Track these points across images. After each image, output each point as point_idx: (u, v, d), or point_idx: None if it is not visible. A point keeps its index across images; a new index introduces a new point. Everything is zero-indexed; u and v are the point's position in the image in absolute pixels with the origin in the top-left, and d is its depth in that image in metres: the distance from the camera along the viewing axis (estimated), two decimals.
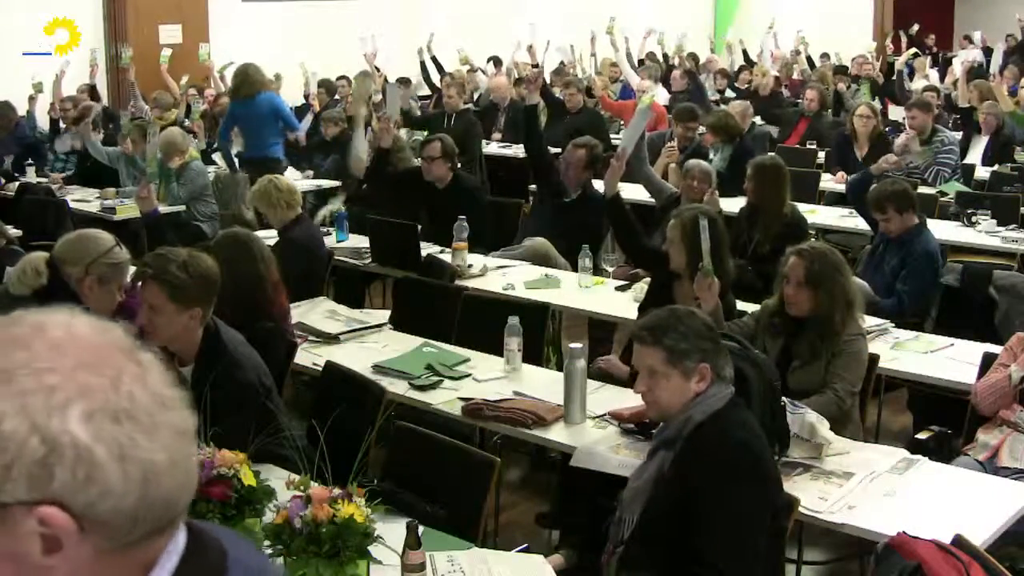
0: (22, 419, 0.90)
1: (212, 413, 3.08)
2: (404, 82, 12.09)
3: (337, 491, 2.52)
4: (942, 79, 14.05)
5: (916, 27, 16.58)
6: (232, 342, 3.36)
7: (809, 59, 15.33)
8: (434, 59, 12.61)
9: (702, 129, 8.34)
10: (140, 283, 3.28)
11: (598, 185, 6.93)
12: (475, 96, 12.31)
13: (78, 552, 0.92)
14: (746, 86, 13.38)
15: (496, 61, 13.99)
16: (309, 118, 9.61)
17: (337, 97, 11.58)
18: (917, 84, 12.36)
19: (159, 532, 0.98)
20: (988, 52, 16.55)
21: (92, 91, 10.56)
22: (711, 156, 7.95)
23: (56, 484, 0.90)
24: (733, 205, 6.55)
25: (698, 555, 2.68)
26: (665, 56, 14.60)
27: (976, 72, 13.87)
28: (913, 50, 13.73)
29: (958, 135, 9.14)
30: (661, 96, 12.37)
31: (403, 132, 9.75)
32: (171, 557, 0.99)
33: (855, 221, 6.65)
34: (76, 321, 0.99)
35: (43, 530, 0.91)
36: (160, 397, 0.98)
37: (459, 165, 6.97)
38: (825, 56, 15.66)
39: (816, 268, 3.91)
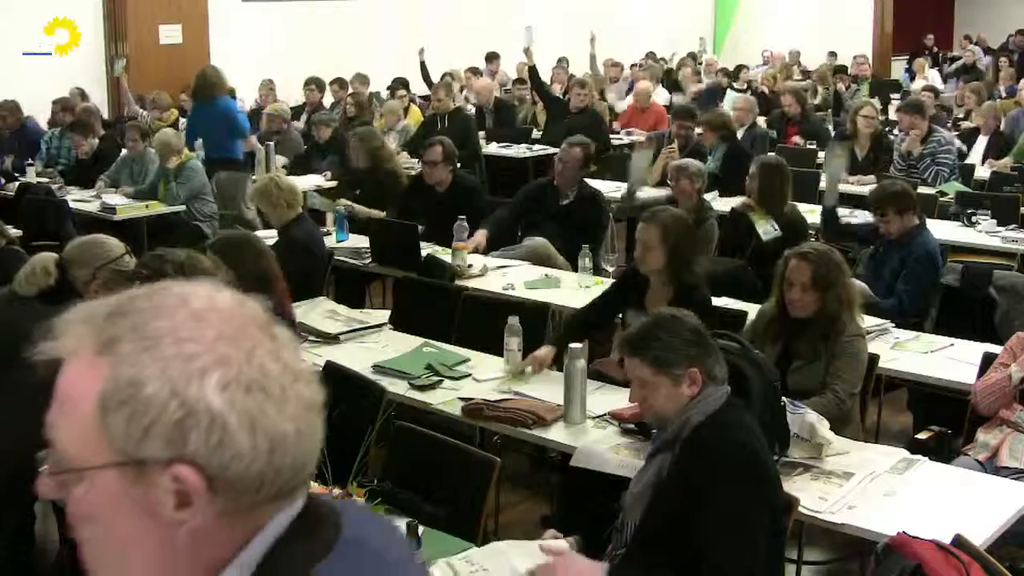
0: (163, 383, 0.98)
1: None
2: (402, 83, 12.08)
3: (337, 491, 2.52)
4: (945, 80, 14.07)
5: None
6: None
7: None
8: (423, 64, 12.56)
9: (699, 129, 8.35)
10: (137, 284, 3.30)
11: (593, 184, 6.95)
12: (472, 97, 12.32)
13: (206, 509, 0.99)
14: (745, 86, 13.40)
15: (490, 57, 13.97)
16: (303, 119, 9.67)
17: (333, 100, 11.59)
18: (916, 85, 12.36)
19: (281, 497, 1.04)
20: (988, 52, 16.60)
21: (83, 95, 10.50)
22: (709, 157, 7.97)
23: (190, 446, 0.98)
24: (728, 205, 6.56)
25: (698, 556, 2.67)
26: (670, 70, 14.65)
27: (973, 74, 13.92)
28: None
29: (954, 134, 9.14)
30: (661, 96, 12.40)
31: (392, 136, 9.76)
32: (280, 523, 1.05)
33: (855, 221, 6.65)
34: (218, 294, 1.06)
35: (176, 487, 0.98)
36: (292, 370, 1.04)
37: (459, 164, 6.98)
38: (833, 55, 15.67)
39: (822, 271, 3.91)
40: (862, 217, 6.46)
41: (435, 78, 11.90)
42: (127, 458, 0.99)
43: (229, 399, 0.99)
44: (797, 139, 9.68)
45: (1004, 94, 12.27)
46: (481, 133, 10.54)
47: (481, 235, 6.30)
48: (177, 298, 1.04)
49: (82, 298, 3.32)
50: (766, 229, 5.87)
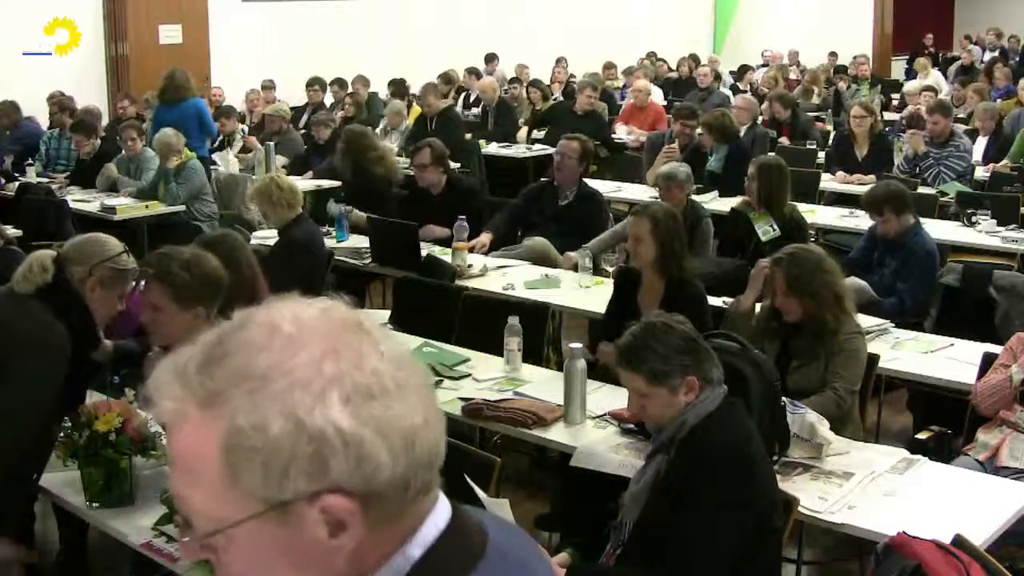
0: (286, 420, 0.94)
1: None
2: (398, 84, 12.09)
3: None
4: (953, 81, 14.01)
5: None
6: None
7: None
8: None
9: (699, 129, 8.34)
10: (143, 283, 3.30)
11: (593, 184, 6.94)
12: (471, 97, 12.33)
13: (361, 527, 0.97)
14: (747, 87, 13.40)
15: (489, 58, 13.97)
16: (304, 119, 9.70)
17: (333, 100, 11.60)
18: (911, 86, 12.31)
19: (425, 492, 1.02)
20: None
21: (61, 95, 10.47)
22: (710, 157, 7.96)
23: (332, 473, 0.95)
24: (728, 206, 6.57)
25: (669, 542, 2.67)
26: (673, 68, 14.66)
27: (972, 74, 13.89)
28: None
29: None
30: (658, 96, 12.40)
31: (394, 136, 9.78)
32: (432, 527, 1.03)
33: (855, 221, 6.66)
34: (302, 310, 1.01)
35: (327, 517, 0.96)
36: (397, 361, 1.01)
37: (452, 164, 6.95)
38: (833, 55, 15.67)
39: (795, 273, 3.89)
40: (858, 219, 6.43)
41: (432, 77, 11.92)
42: (271, 504, 0.95)
43: (354, 413, 0.95)
44: (784, 140, 9.69)
45: (1003, 94, 12.25)
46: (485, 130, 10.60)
47: (486, 237, 6.29)
48: (265, 329, 0.99)
49: (79, 296, 3.29)
50: (765, 229, 5.88)
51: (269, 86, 11.71)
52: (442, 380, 4.16)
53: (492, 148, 10.21)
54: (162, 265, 3.25)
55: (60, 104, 9.60)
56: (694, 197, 6.33)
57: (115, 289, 3.36)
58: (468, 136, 10.21)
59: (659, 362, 2.83)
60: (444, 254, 5.91)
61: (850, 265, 5.42)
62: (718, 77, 13.51)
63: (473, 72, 13.00)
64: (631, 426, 3.62)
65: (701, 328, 3.16)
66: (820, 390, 3.81)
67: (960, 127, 9.82)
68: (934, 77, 14.42)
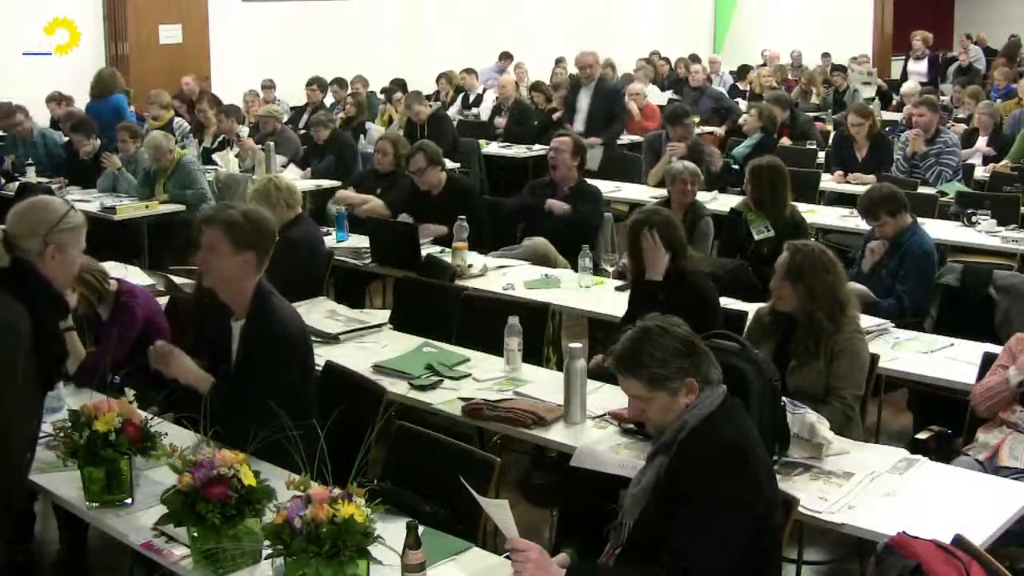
0: None
1: (254, 367, 3.30)
2: (400, 84, 12.09)
3: (337, 491, 2.51)
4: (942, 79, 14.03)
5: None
6: (282, 303, 3.52)
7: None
8: None
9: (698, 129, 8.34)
10: (202, 230, 3.47)
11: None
12: (471, 97, 12.32)
13: None
14: (748, 87, 13.40)
15: (503, 55, 13.96)
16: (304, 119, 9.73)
17: (334, 100, 11.61)
18: (908, 87, 12.32)
19: None
20: (990, 52, 16.58)
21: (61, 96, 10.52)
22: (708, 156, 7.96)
23: None
24: (727, 206, 6.61)
25: (668, 542, 2.67)
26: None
27: (970, 75, 13.88)
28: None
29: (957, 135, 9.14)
30: (656, 96, 12.41)
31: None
32: None
33: (855, 221, 6.65)
34: None
35: None
36: None
37: (446, 164, 6.96)
38: (827, 56, 15.67)
39: (798, 261, 3.90)
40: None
41: (432, 77, 11.87)
42: None
43: None
44: (784, 141, 9.70)
45: (1003, 94, 12.25)
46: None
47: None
48: None
49: (35, 271, 2.98)
50: (759, 228, 5.92)
51: (269, 86, 11.72)
52: (442, 380, 4.16)
53: (492, 148, 10.21)
54: (220, 209, 3.49)
55: (60, 105, 9.66)
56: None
57: (73, 249, 3.15)
58: (467, 137, 10.23)
59: (656, 365, 2.81)
60: (444, 254, 5.92)
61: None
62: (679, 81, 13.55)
63: (468, 72, 12.98)
64: (631, 426, 3.62)
65: (705, 322, 3.15)
66: (821, 392, 3.81)
67: (961, 126, 9.85)
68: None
